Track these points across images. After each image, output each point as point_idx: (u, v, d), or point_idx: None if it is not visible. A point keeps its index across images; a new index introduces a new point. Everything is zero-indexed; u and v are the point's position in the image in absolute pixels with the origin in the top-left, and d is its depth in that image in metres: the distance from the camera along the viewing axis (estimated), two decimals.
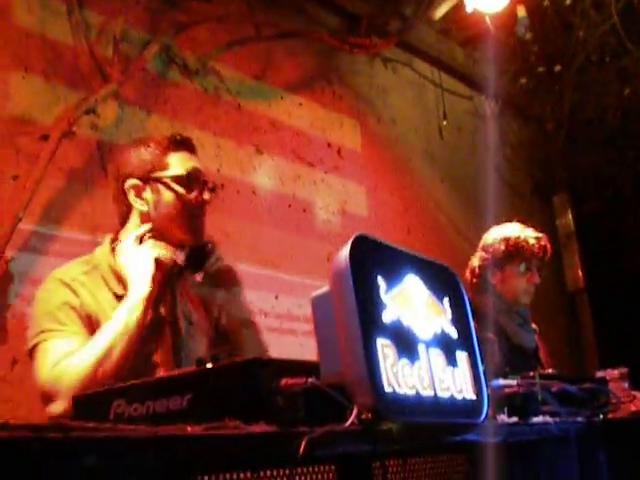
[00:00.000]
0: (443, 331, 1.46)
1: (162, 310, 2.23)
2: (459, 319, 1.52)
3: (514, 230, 3.40)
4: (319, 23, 4.76)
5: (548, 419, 1.80)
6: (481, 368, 1.52)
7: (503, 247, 3.35)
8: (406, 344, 1.32)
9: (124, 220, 2.32)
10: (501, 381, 1.84)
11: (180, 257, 2.25)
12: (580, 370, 6.05)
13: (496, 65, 5.28)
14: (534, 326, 3.50)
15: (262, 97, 4.33)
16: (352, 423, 1.18)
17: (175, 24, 3.84)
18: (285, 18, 4.47)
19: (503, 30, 5.16)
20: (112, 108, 3.50)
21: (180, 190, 2.25)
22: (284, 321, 3.99)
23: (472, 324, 1.55)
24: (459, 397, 1.42)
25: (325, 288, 1.29)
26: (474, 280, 3.40)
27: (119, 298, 2.15)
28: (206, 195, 2.30)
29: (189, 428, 1.01)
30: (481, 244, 3.46)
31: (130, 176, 2.26)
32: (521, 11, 5.08)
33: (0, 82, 3.13)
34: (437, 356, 1.40)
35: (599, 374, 2.66)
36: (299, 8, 4.60)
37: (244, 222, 3.98)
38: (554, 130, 6.18)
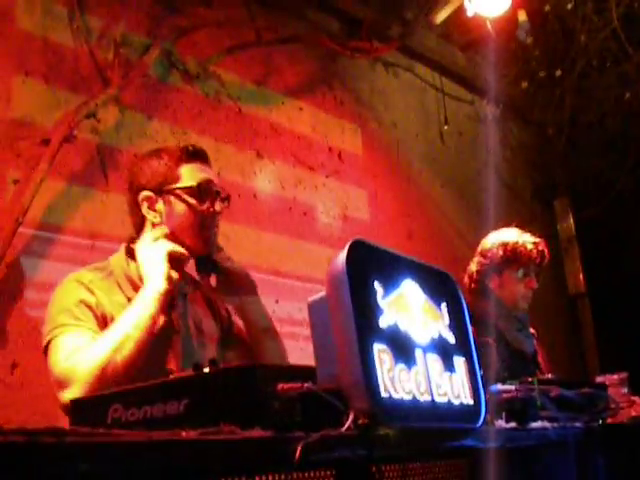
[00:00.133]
0: (440, 336, 1.45)
1: (173, 318, 2.24)
2: (457, 324, 1.52)
3: (512, 235, 3.40)
4: (320, 28, 4.76)
5: (546, 424, 1.80)
6: (479, 373, 1.52)
7: (501, 252, 3.35)
8: (403, 349, 1.32)
9: (138, 230, 2.34)
10: (499, 386, 1.84)
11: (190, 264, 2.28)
12: (581, 374, 6.04)
13: (497, 69, 5.28)
14: (532, 331, 3.50)
15: (263, 102, 4.33)
16: (348, 428, 1.18)
17: (176, 29, 3.85)
18: (286, 23, 4.48)
19: (504, 34, 5.16)
20: (113, 112, 3.51)
21: (192, 201, 2.27)
22: (285, 325, 3.98)
23: (470, 329, 1.55)
24: (456, 402, 1.42)
25: (322, 293, 1.29)
26: (473, 285, 3.40)
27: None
28: (217, 206, 2.31)
29: (184, 433, 1.01)
30: (479, 249, 3.46)
31: (143, 188, 2.29)
32: (522, 15, 5.09)
33: (1, 86, 3.14)
34: (434, 361, 1.39)
35: (598, 379, 2.66)
36: (300, 13, 4.61)
37: (245, 226, 3.98)
38: (555, 134, 6.18)
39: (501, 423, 1.74)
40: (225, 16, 4.13)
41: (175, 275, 2.18)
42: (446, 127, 5.65)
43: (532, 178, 6.55)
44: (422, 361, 1.36)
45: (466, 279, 3.43)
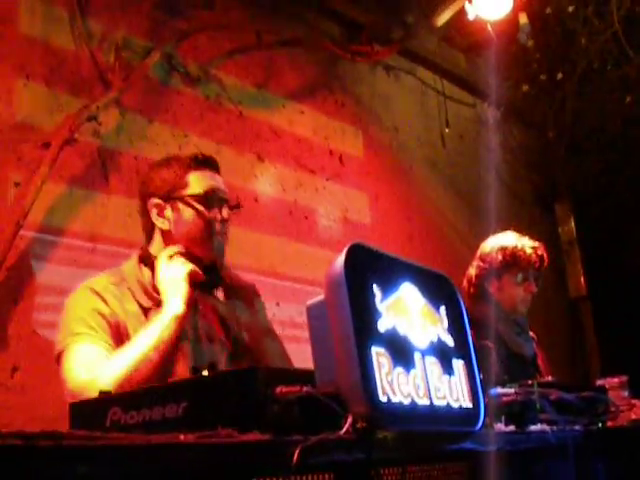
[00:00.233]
0: (439, 339, 1.45)
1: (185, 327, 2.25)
2: (456, 327, 1.52)
3: (511, 240, 3.39)
4: (321, 31, 4.77)
5: (546, 428, 1.80)
6: (478, 376, 1.52)
7: (500, 257, 3.35)
8: (401, 352, 1.32)
9: (149, 236, 2.38)
10: (499, 389, 1.84)
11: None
12: (583, 377, 6.04)
13: (498, 72, 5.28)
14: (532, 334, 3.50)
15: (264, 105, 4.34)
16: (347, 432, 1.18)
17: (177, 32, 3.85)
18: (287, 26, 4.48)
19: (505, 37, 5.16)
20: (114, 115, 3.52)
21: (199, 208, 2.30)
22: (286, 328, 3.98)
23: (469, 332, 1.55)
24: (455, 405, 1.42)
25: (320, 296, 1.29)
26: (472, 289, 3.40)
27: (144, 310, 2.22)
28: (225, 213, 2.33)
29: (182, 437, 1.01)
30: (478, 253, 3.46)
31: (153, 195, 2.33)
32: (523, 18, 5.09)
33: (2, 89, 3.14)
34: (433, 364, 1.39)
35: (599, 382, 2.65)
36: (301, 16, 4.61)
37: (246, 229, 3.98)
38: (556, 137, 6.18)
39: (500, 426, 1.74)
40: (226, 19, 4.14)
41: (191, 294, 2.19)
42: (447, 130, 5.66)
43: (533, 181, 6.56)
44: (421, 364, 1.36)
45: (465, 283, 3.43)
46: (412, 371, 1.33)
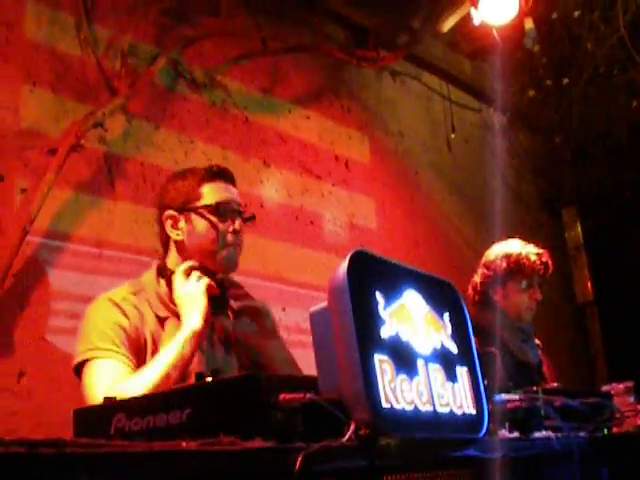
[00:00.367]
0: (443, 346, 1.46)
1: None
2: (459, 334, 1.52)
3: (515, 247, 3.39)
4: (326, 37, 4.77)
5: (550, 434, 1.80)
6: (482, 383, 1.52)
7: (505, 264, 3.34)
8: (405, 359, 1.32)
9: (165, 248, 2.42)
10: (503, 396, 1.83)
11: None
12: (589, 383, 6.02)
13: (504, 77, 5.28)
14: (537, 341, 3.49)
15: (269, 110, 4.34)
16: (349, 439, 1.18)
17: (183, 38, 3.86)
18: (292, 32, 4.48)
19: (511, 42, 5.14)
20: (120, 122, 3.52)
21: (212, 219, 2.32)
22: (292, 333, 3.98)
23: (472, 339, 1.55)
24: (459, 412, 1.42)
25: (323, 303, 1.29)
26: (476, 297, 3.40)
27: (161, 319, 2.24)
28: (237, 225, 2.35)
29: (184, 444, 1.01)
30: (483, 261, 3.46)
31: (168, 207, 2.36)
32: (529, 23, 5.07)
33: (8, 95, 3.15)
34: (436, 371, 1.40)
35: (604, 388, 2.65)
36: (306, 22, 4.62)
37: (251, 235, 3.98)
38: (562, 142, 6.17)
39: (504, 433, 1.74)
40: (232, 26, 4.14)
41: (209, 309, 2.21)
42: (453, 135, 5.66)
43: (539, 186, 6.55)
44: (424, 371, 1.36)
45: (470, 290, 3.43)
46: (415, 378, 1.33)
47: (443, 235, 5.38)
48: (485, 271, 3.41)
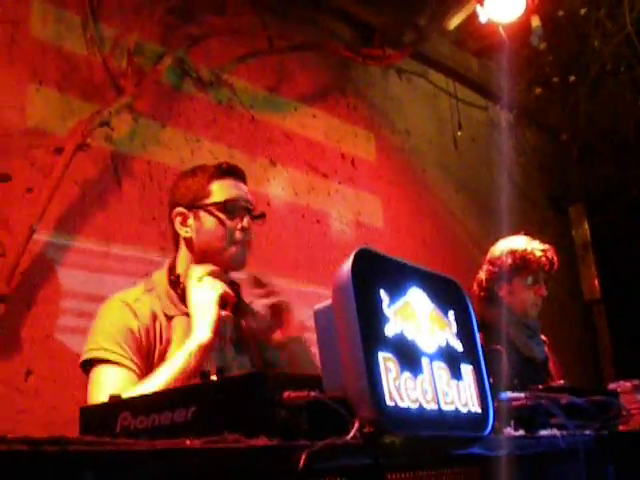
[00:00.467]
0: (448, 344, 1.45)
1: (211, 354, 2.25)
2: (464, 332, 1.51)
3: (521, 243, 3.39)
4: (332, 35, 4.78)
5: (556, 432, 1.79)
6: (487, 381, 1.51)
7: (510, 260, 3.34)
8: (409, 357, 1.32)
9: (176, 245, 2.41)
10: (509, 394, 1.83)
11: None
12: (596, 381, 6.01)
13: (510, 75, 5.27)
14: (543, 338, 3.49)
15: (276, 109, 4.34)
16: (354, 436, 1.18)
17: (189, 37, 3.87)
18: (298, 30, 4.49)
19: (517, 40, 5.13)
20: (126, 120, 3.53)
21: (221, 216, 2.32)
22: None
23: (478, 337, 1.55)
24: (464, 410, 1.42)
25: (327, 301, 1.29)
26: (482, 293, 3.40)
27: (169, 318, 2.23)
28: (245, 222, 2.34)
29: (188, 442, 1.01)
30: (488, 257, 3.46)
31: (177, 204, 2.37)
32: (535, 21, 5.06)
33: (15, 94, 3.16)
34: (441, 369, 1.39)
35: (611, 386, 2.64)
36: (312, 20, 4.62)
37: (258, 233, 3.97)
38: (569, 140, 6.16)
39: (510, 431, 1.74)
40: (237, 24, 4.15)
41: (222, 313, 2.19)
42: (460, 133, 5.65)
43: (546, 183, 6.54)
44: (428, 369, 1.36)
45: (475, 287, 3.43)
46: (420, 376, 1.33)
47: (449, 233, 5.38)
48: (490, 267, 3.41)
